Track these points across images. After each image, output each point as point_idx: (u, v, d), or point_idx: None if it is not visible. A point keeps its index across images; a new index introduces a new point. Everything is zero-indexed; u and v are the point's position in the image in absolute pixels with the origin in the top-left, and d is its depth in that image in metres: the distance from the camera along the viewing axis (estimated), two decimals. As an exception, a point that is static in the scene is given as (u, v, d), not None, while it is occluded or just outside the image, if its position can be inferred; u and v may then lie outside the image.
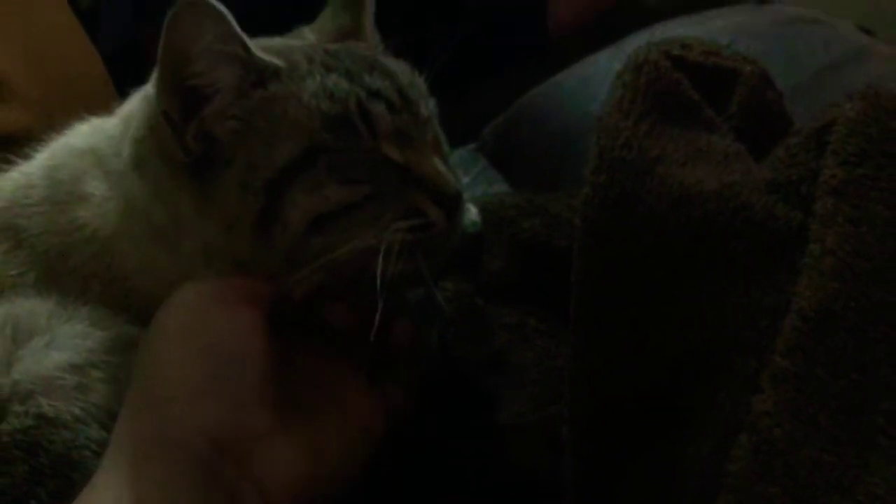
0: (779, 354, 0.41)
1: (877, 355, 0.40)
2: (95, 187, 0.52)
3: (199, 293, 0.47)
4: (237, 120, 0.48)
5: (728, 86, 0.57)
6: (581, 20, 1.01)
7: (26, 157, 0.57)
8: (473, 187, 0.87)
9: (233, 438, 0.43)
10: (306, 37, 0.56)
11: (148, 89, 0.52)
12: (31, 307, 0.49)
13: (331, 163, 0.48)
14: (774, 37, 0.82)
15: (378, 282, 0.46)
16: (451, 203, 0.50)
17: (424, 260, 0.49)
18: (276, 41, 0.54)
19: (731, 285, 0.45)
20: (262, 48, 0.50)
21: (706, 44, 0.57)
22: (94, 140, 0.54)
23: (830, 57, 0.83)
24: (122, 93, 0.57)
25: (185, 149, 0.48)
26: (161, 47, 0.46)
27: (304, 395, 0.48)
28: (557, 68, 0.90)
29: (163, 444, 0.43)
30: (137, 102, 0.54)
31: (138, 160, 0.51)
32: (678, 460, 0.44)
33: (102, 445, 0.45)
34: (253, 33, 0.56)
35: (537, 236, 0.71)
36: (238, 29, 0.47)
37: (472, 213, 0.73)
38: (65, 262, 0.51)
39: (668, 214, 0.46)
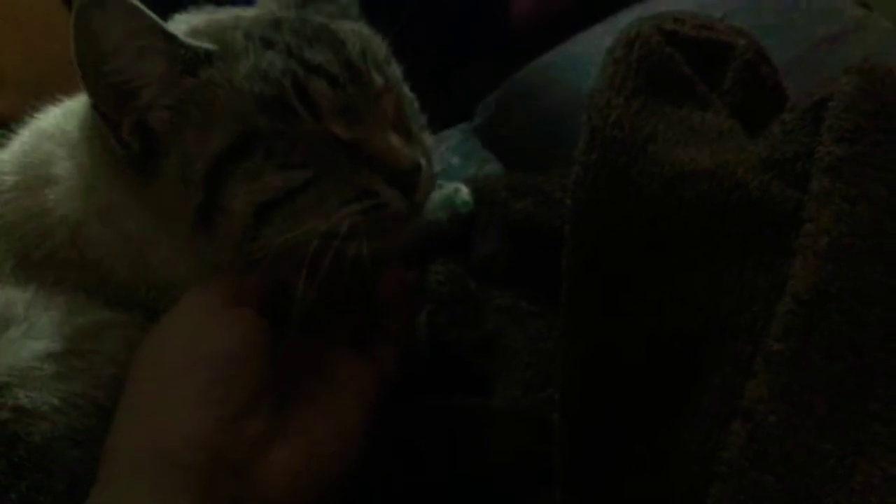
0: (773, 338, 0.40)
1: (872, 339, 0.39)
2: (63, 168, 0.50)
3: (197, 303, 0.46)
4: (170, 110, 0.46)
5: (722, 60, 0.55)
6: (542, 11, 1.01)
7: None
8: (465, 167, 0.86)
9: (230, 448, 0.42)
10: (265, 4, 0.53)
11: None
12: (8, 297, 0.48)
13: (268, 148, 0.45)
14: (770, 10, 0.80)
15: (339, 264, 0.44)
16: (407, 179, 0.47)
17: (388, 239, 0.47)
18: (224, 15, 0.51)
19: (725, 267, 0.44)
20: (195, 30, 0.48)
21: (699, 18, 0.56)
22: (63, 121, 0.53)
23: (827, 30, 0.82)
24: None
25: (121, 142, 0.46)
26: (73, 47, 0.44)
27: (294, 383, 0.47)
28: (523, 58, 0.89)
29: (159, 456, 0.42)
30: None
31: (88, 144, 0.50)
32: (671, 447, 0.43)
33: (82, 435, 0.45)
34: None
35: (530, 217, 0.70)
36: (154, 18, 0.44)
37: (463, 193, 0.73)
38: (40, 249, 0.50)
39: (660, 195, 0.45)
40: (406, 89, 0.52)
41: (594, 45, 0.85)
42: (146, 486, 0.41)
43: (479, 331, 0.66)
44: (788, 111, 0.49)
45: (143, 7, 0.44)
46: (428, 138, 0.53)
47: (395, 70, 0.51)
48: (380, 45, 0.51)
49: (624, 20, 0.54)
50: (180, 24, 0.50)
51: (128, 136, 0.46)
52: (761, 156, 0.47)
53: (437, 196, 0.72)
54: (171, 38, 0.45)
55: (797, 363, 0.39)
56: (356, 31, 0.50)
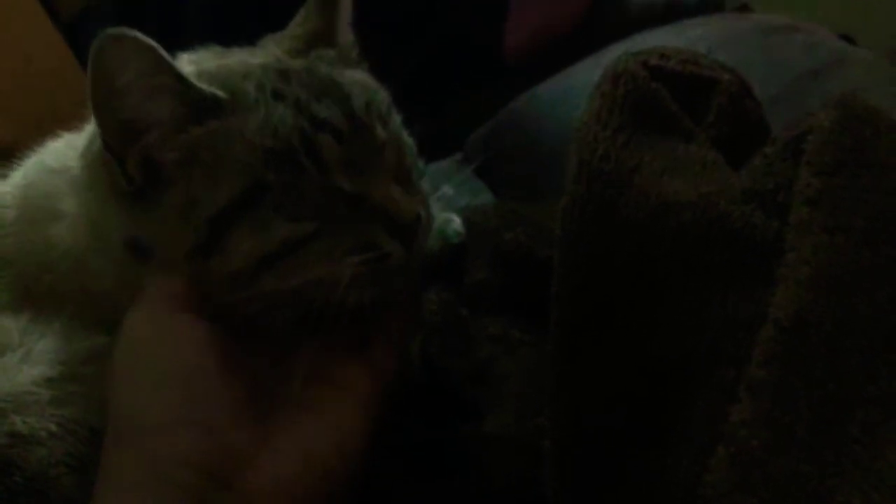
0: (755, 365, 0.41)
1: (851, 365, 0.40)
2: (68, 205, 0.51)
3: (149, 314, 0.46)
4: (179, 151, 0.47)
5: (706, 95, 0.57)
6: (535, 45, 1.02)
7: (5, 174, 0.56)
8: (457, 197, 0.87)
9: (217, 463, 0.42)
10: (270, 49, 0.54)
11: None
12: (3, 325, 0.49)
13: (276, 200, 0.46)
14: (754, 45, 0.82)
15: (339, 312, 0.45)
16: (407, 232, 0.48)
17: (387, 288, 0.48)
18: (233, 60, 0.52)
19: (709, 296, 0.45)
20: (209, 75, 0.48)
21: (684, 53, 0.58)
22: (66, 157, 0.53)
23: (810, 64, 0.83)
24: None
25: (127, 177, 0.47)
26: (88, 82, 0.45)
27: (289, 388, 0.46)
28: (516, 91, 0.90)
29: (147, 476, 0.42)
30: None
31: (91, 178, 0.50)
32: (659, 472, 0.44)
33: (79, 461, 0.45)
34: (228, 36, 0.55)
35: (520, 247, 0.71)
36: (169, 60, 0.45)
37: (455, 223, 0.73)
38: (40, 283, 0.50)
39: (645, 225, 0.46)
40: (406, 136, 0.53)
41: (584, 77, 0.87)
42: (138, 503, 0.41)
43: (472, 359, 0.67)
44: (770, 144, 0.50)
45: (159, 48, 0.45)
46: (426, 183, 0.55)
47: (396, 119, 0.52)
48: (383, 97, 0.52)
49: (610, 55, 0.55)
50: (188, 66, 0.51)
51: (133, 171, 0.47)
52: (744, 187, 0.48)
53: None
54: (184, 81, 0.46)
55: (779, 389, 0.40)
56: (360, 82, 0.51)
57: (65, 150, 0.54)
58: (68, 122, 0.56)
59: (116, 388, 0.45)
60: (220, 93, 0.47)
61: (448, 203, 0.85)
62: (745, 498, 0.38)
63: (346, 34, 0.56)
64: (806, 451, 0.38)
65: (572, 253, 0.48)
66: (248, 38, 0.57)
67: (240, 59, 0.52)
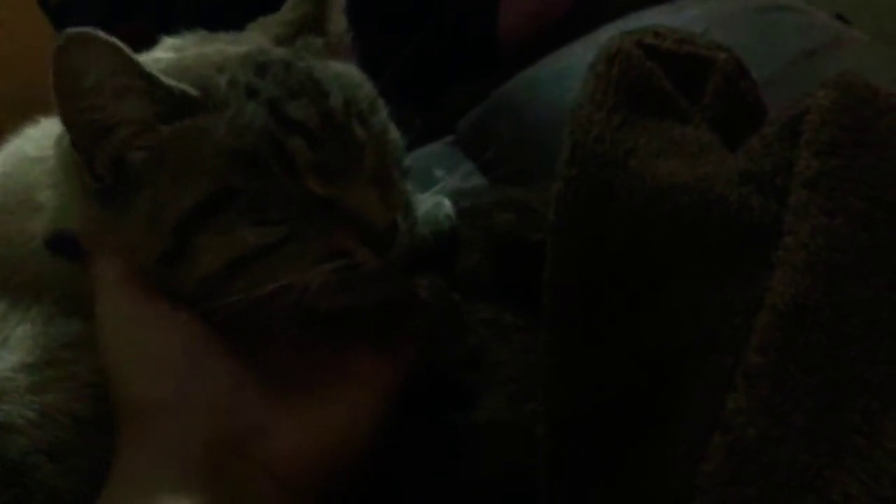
0: (753, 351, 0.40)
1: (851, 352, 0.39)
2: (46, 196, 0.50)
3: (120, 306, 0.46)
4: (148, 151, 0.45)
5: (702, 75, 0.56)
6: (529, 29, 1.01)
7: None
8: (449, 181, 0.86)
9: (232, 437, 0.43)
10: (254, 36, 0.52)
11: None
12: None
13: (244, 204, 0.44)
14: (749, 24, 0.81)
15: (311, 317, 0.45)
16: (381, 240, 0.46)
17: (361, 295, 0.47)
18: (213, 49, 0.50)
19: (706, 281, 0.44)
20: (182, 68, 0.47)
21: (679, 32, 0.57)
22: (45, 146, 0.52)
23: (806, 45, 0.83)
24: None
25: (95, 175, 0.46)
26: (52, 80, 0.44)
27: (305, 376, 0.47)
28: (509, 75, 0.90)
29: (160, 453, 0.42)
30: None
31: (63, 172, 0.49)
32: (655, 460, 0.43)
33: (60, 449, 0.44)
34: (220, 18, 0.53)
35: (513, 230, 0.70)
36: (135, 60, 0.44)
37: (446, 207, 0.72)
38: (19, 273, 0.49)
39: (641, 209, 0.45)
40: (393, 131, 0.51)
41: (577, 59, 0.86)
42: (156, 482, 0.42)
43: (465, 344, 0.66)
44: (768, 125, 0.49)
45: (125, 48, 0.43)
46: (409, 185, 0.52)
47: (382, 115, 0.50)
48: (367, 92, 0.49)
49: (604, 35, 0.54)
50: (168, 52, 0.50)
51: (102, 171, 0.46)
52: (740, 169, 0.47)
53: (419, 210, 0.72)
54: (152, 80, 0.44)
55: (776, 376, 0.39)
56: (343, 76, 0.49)
57: (43, 138, 0.53)
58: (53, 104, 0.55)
59: (115, 377, 0.45)
60: (190, 90, 0.45)
61: (440, 188, 0.85)
62: (742, 488, 0.37)
63: (339, 22, 0.54)
64: (804, 439, 0.37)
65: (566, 237, 0.47)
66: (240, 20, 0.55)
67: (220, 48, 0.50)
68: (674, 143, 0.49)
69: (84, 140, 0.45)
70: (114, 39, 0.43)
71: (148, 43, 0.52)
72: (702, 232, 0.45)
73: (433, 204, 0.71)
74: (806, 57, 0.82)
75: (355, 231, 0.46)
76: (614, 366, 0.46)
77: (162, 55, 0.49)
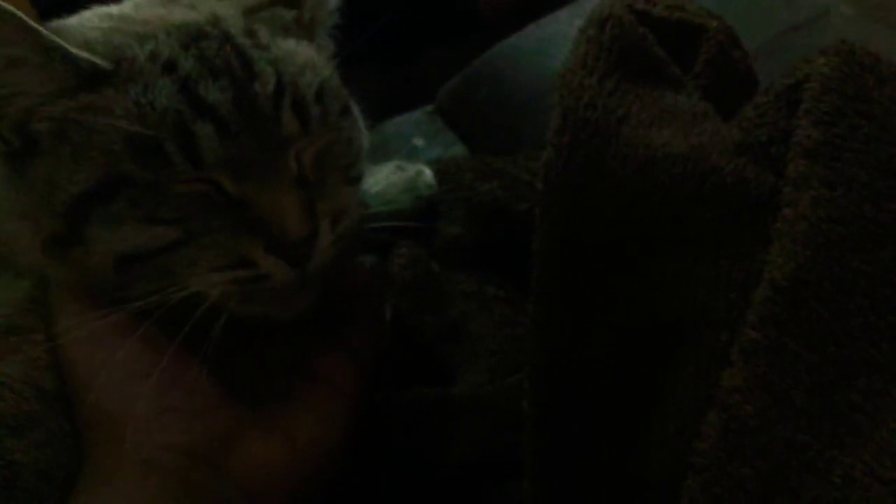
0: (750, 327, 0.38)
1: (853, 328, 0.38)
2: None
3: (79, 324, 0.43)
4: (51, 122, 0.42)
5: (693, 42, 0.54)
6: None
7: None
8: (429, 150, 0.85)
9: (204, 445, 0.42)
10: (217, 4, 0.47)
11: None
12: None
13: (134, 197, 0.40)
14: (737, -3, 0.80)
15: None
16: (293, 251, 0.42)
17: (276, 307, 0.44)
18: (152, 15, 0.45)
19: (700, 253, 0.42)
20: (108, 39, 0.43)
21: (670, -1, 0.55)
22: None
23: (793, 17, 0.82)
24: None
25: (3, 138, 0.43)
26: None
27: (273, 380, 0.46)
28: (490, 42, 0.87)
29: (130, 464, 0.41)
30: None
31: None
32: (645, 438, 0.42)
33: (20, 421, 0.42)
34: None
35: (496, 200, 0.69)
36: (35, 29, 0.40)
37: (426, 176, 0.71)
38: None
39: (633, 179, 0.44)
40: (349, 129, 0.47)
41: (562, 27, 0.85)
42: (127, 491, 0.41)
43: (444, 316, 0.65)
44: (762, 94, 0.47)
45: (25, 18, 0.40)
46: (354, 194, 0.48)
47: (332, 109, 0.45)
48: (313, 80, 0.44)
49: (590, 3, 0.52)
50: (126, 9, 0.46)
51: (8, 135, 0.43)
52: (735, 139, 0.46)
53: (399, 179, 0.70)
54: (50, 54, 0.41)
55: (775, 352, 0.38)
56: (287, 59, 0.44)
57: None
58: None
59: (80, 391, 0.43)
60: (101, 62, 0.41)
61: (418, 155, 0.83)
62: (738, 468, 0.36)
63: None
64: (804, 418, 0.36)
65: (555, 207, 0.45)
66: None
67: (166, 14, 0.45)
68: (667, 112, 0.47)
69: None
70: (12, 9, 0.40)
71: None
72: (696, 203, 0.43)
73: (414, 172, 0.70)
74: (792, 30, 0.82)
75: (264, 239, 0.42)
76: (602, 340, 0.45)
77: (114, 12, 0.46)
